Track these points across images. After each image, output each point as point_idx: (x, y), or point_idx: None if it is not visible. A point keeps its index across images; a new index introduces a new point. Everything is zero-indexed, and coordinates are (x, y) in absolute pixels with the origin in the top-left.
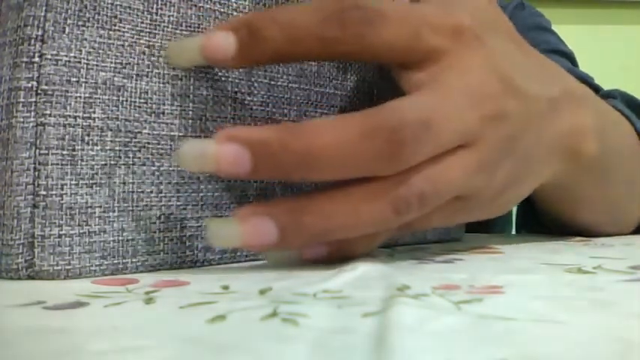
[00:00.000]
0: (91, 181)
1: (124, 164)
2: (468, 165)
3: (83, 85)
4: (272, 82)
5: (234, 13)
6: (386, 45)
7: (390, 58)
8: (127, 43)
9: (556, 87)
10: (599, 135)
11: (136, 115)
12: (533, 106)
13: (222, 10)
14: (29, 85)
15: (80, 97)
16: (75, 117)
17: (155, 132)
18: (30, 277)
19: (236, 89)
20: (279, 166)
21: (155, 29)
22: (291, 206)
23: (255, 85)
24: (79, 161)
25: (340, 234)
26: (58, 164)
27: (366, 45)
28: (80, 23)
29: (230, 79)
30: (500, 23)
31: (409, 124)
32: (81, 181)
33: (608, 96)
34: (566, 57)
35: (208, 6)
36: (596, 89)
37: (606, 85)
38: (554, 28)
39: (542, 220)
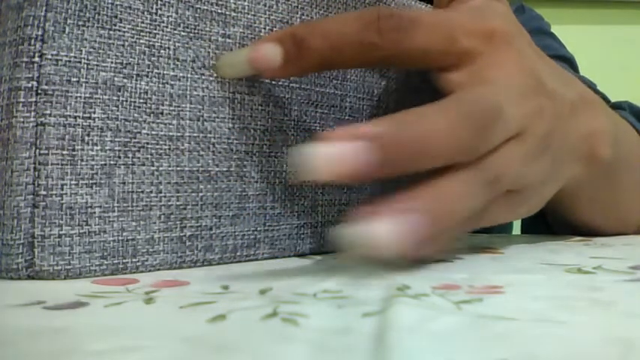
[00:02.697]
0: (90, 181)
1: (123, 164)
2: (518, 154)
3: (83, 85)
4: (272, 82)
5: (232, 14)
6: (421, 49)
7: (426, 61)
8: (127, 43)
9: (574, 91)
10: (613, 140)
11: (136, 115)
12: (560, 107)
13: (219, 11)
14: (29, 85)
15: (80, 97)
16: (75, 117)
17: (154, 132)
18: (30, 277)
19: (234, 89)
20: (398, 159)
21: (155, 29)
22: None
23: (255, 85)
24: (79, 161)
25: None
26: (58, 164)
27: (402, 50)
28: (80, 23)
29: (228, 79)
30: (523, 31)
31: (489, 109)
32: (81, 181)
33: (617, 107)
34: (567, 62)
35: (206, 7)
36: (602, 97)
37: (606, 86)
38: (554, 28)
39: (549, 221)
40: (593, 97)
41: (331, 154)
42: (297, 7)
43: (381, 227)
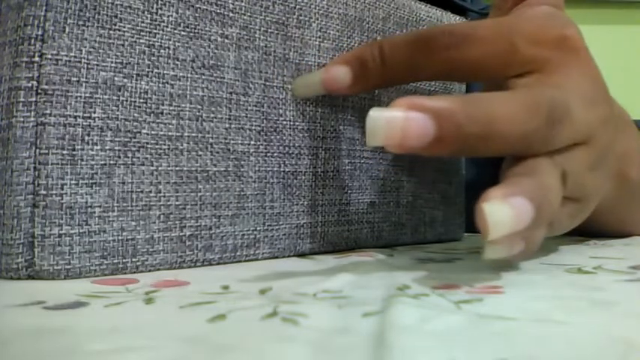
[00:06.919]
0: (90, 181)
1: (123, 164)
2: (585, 160)
3: (83, 84)
4: (267, 83)
5: (230, 14)
6: (477, 64)
7: (487, 74)
8: (127, 43)
9: (617, 107)
10: None
11: (136, 115)
12: (615, 120)
13: (217, 11)
14: (29, 84)
15: (80, 96)
16: (75, 117)
17: (154, 132)
18: (30, 277)
19: (231, 90)
20: (463, 137)
21: (155, 29)
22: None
23: (250, 85)
24: (79, 161)
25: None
26: (58, 164)
27: (455, 66)
28: (80, 23)
29: (225, 80)
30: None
31: (560, 105)
32: (81, 181)
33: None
34: None
35: (205, 7)
36: None
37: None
38: None
39: None
40: (627, 115)
41: (384, 119)
42: (295, 7)
43: (499, 209)
